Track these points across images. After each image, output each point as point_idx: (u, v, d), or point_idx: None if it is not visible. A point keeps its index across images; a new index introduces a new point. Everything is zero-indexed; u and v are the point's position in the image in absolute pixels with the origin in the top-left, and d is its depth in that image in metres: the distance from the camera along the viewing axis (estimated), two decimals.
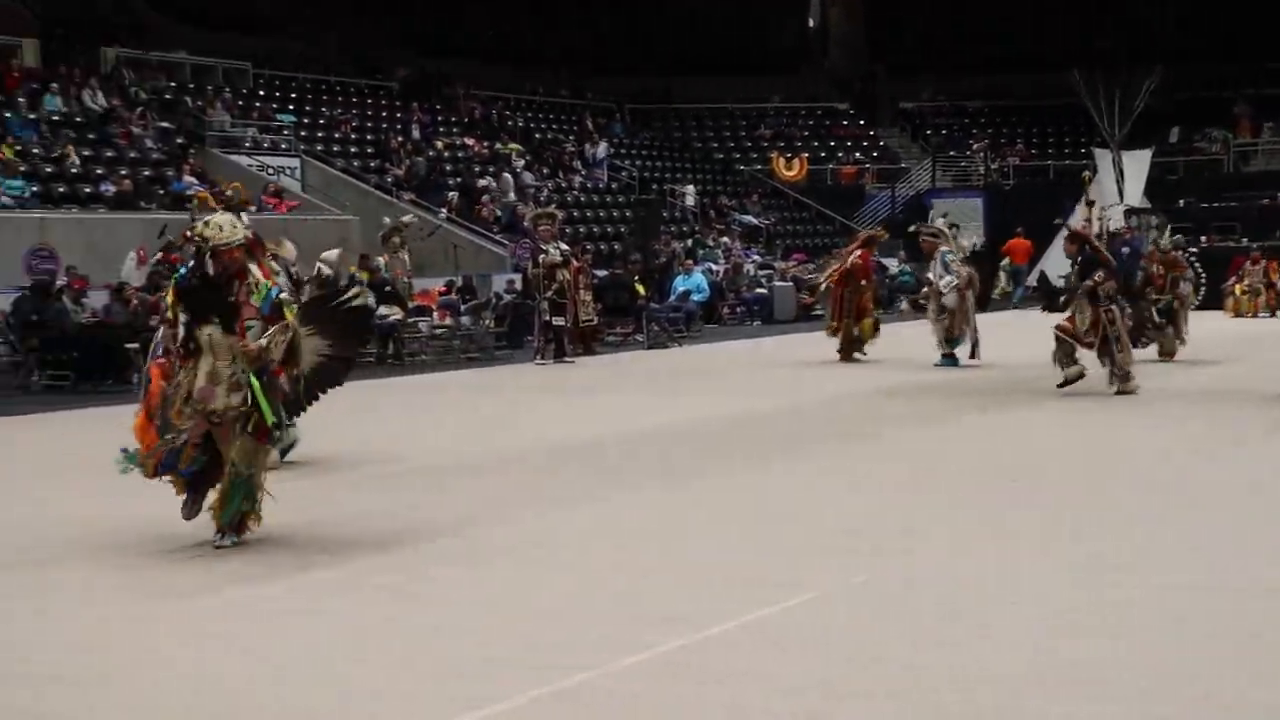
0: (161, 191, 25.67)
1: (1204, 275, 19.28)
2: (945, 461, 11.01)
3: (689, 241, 33.27)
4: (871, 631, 6.19)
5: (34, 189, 23.75)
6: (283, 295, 8.27)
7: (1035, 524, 8.44)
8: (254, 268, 8.13)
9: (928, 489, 9.75)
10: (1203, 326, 20.81)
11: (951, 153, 43.42)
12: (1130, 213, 32.11)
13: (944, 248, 18.94)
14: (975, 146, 42.83)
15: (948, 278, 18.47)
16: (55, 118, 26.71)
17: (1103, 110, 37.63)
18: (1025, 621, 6.30)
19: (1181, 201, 35.08)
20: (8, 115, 25.84)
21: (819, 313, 29.90)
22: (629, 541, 8.19)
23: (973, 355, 18.51)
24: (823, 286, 20.92)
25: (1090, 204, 17.75)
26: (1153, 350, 18.46)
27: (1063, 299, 15.63)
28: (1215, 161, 39.06)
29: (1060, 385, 15.01)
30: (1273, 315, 28.81)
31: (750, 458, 11.32)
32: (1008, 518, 8.63)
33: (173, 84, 31.35)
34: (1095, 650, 5.85)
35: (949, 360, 18.55)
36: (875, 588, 6.97)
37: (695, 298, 26.93)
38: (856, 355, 19.82)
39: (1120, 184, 36.43)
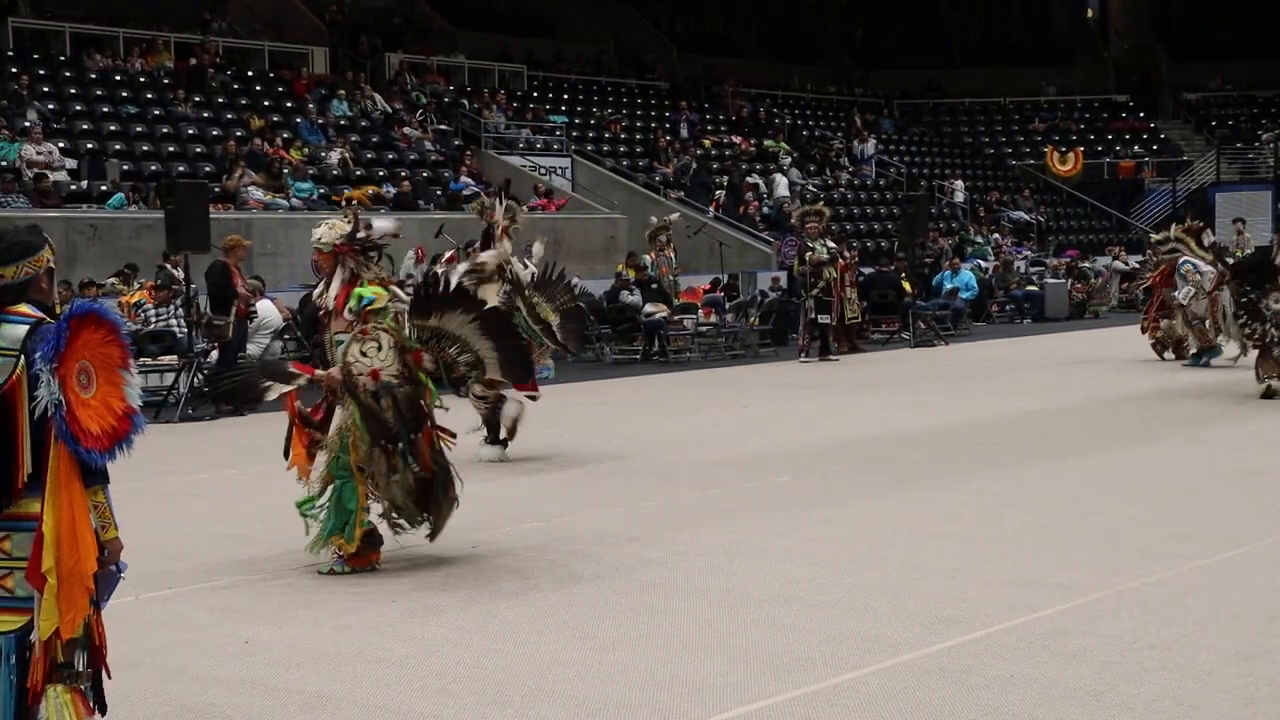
0: (439, 192, 26.58)
1: None
2: (1223, 466, 10.58)
3: (956, 238, 32.67)
4: (1150, 638, 6.00)
5: (321, 191, 24.89)
6: (377, 302, 7.61)
7: None
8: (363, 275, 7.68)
9: (1197, 493, 9.38)
10: None
11: (1238, 144, 41.48)
12: None
13: (1183, 258, 18.31)
14: (1265, 137, 40.78)
15: (1186, 288, 17.93)
16: (341, 122, 27.93)
17: None
18: None
19: None
20: (297, 120, 27.14)
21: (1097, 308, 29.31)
22: (896, 540, 8.12)
23: (1242, 353, 17.78)
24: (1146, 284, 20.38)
25: None
26: None
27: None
28: None
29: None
30: None
31: (1031, 456, 11.08)
32: None
33: (451, 87, 32.42)
34: None
35: (1196, 359, 17.94)
36: (1162, 591, 6.75)
37: (963, 295, 26.44)
38: (1167, 355, 19.15)
39: None
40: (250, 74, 28.88)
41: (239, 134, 25.28)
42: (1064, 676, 5.57)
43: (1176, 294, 18.36)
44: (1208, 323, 17.61)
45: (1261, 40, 43.20)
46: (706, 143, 34.68)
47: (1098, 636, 6.09)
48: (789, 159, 34.90)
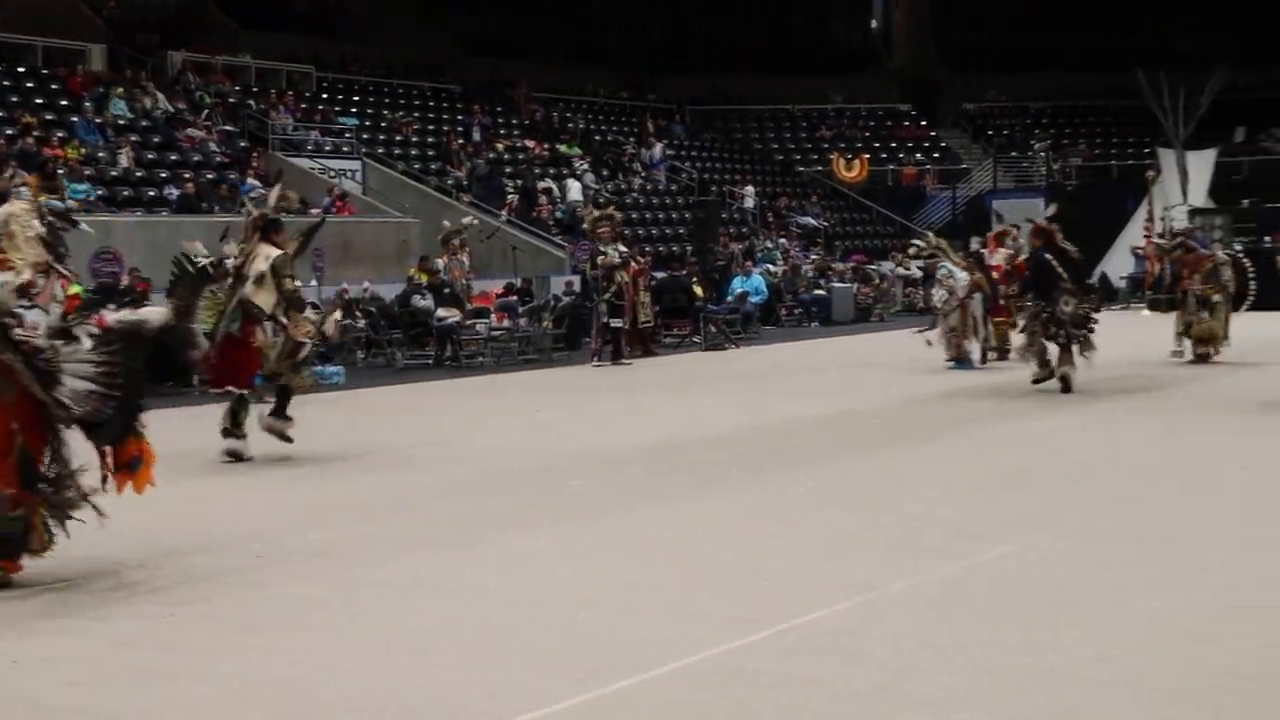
0: (225, 194, 25.90)
1: (1254, 275, 18.79)
2: (1004, 462, 10.91)
3: (747, 243, 33.17)
4: (934, 632, 6.14)
5: (99, 192, 24.02)
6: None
7: (1102, 525, 8.34)
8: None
9: (983, 491, 9.66)
10: (1260, 328, 20.42)
11: (1013, 153, 43.07)
12: (1194, 213, 31.65)
13: (942, 263, 19.03)
14: (1037, 146, 42.45)
15: (940, 292, 18.70)
16: (120, 122, 27.01)
17: (1167, 110, 37.13)
18: (1109, 625, 6.22)
19: (1245, 201, 34.48)
20: (74, 120, 26.16)
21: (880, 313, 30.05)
22: (687, 542, 8.16)
23: (983, 360, 18.53)
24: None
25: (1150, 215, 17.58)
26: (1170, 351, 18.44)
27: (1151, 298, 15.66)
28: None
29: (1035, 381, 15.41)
30: None
31: (802, 460, 11.27)
32: (1069, 519, 8.53)
33: (237, 88, 31.64)
34: (1191, 657, 5.77)
35: (964, 364, 18.51)
36: (943, 588, 6.91)
37: (753, 299, 26.85)
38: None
39: (1184, 184, 35.96)
40: (21, 70, 27.75)
41: (9, 133, 24.25)
42: (849, 673, 5.65)
43: (934, 298, 19.05)
44: (969, 330, 18.29)
45: (1033, 54, 44.99)
46: (499, 146, 34.54)
47: (882, 633, 6.20)
48: (582, 163, 34.99)
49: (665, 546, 8.10)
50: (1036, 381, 15.42)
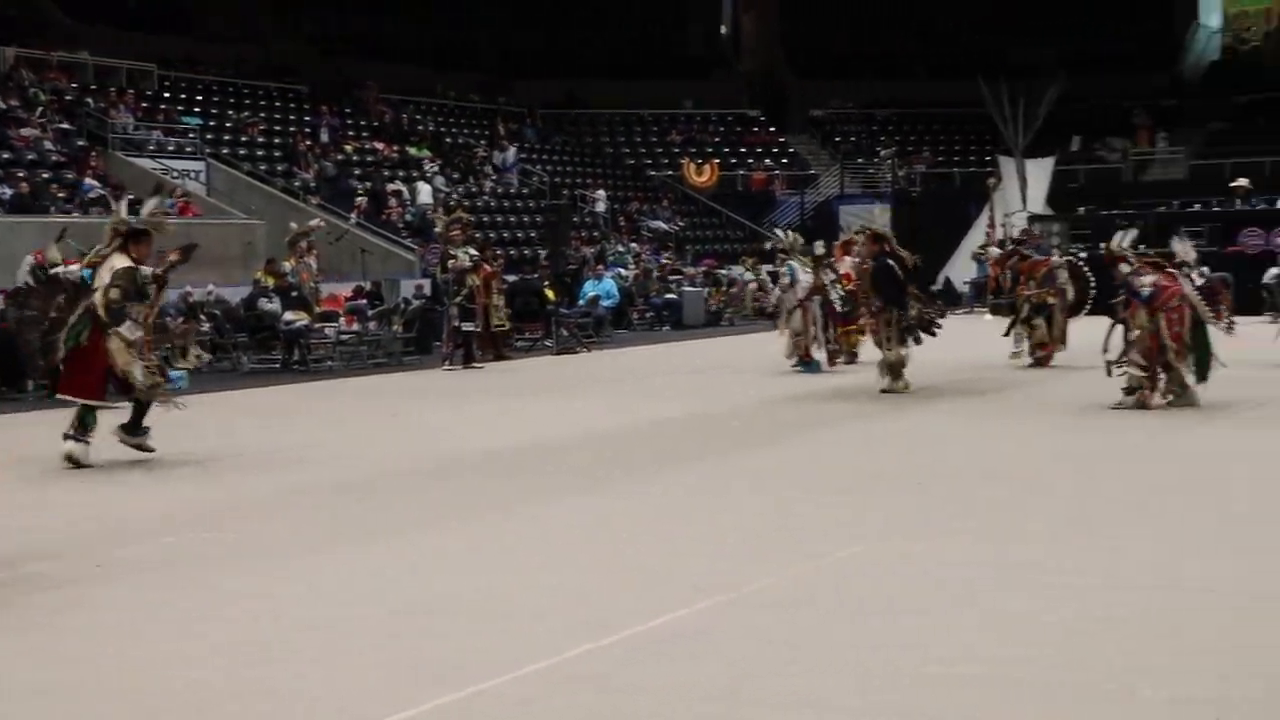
0: (62, 194, 25.16)
1: (1094, 281, 19.29)
2: (856, 464, 11.05)
3: (599, 246, 33.21)
4: (785, 633, 6.18)
5: None
6: None
7: (949, 525, 8.47)
8: None
9: (836, 492, 9.77)
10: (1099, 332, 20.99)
11: (860, 159, 43.81)
12: (1033, 219, 32.55)
13: (790, 261, 19.27)
14: (883, 153, 43.23)
15: (775, 291, 19.05)
16: None
17: (1006, 119, 38.11)
18: (950, 625, 6.32)
19: (1082, 209, 35.49)
20: None
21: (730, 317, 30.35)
22: (540, 547, 8.12)
23: (831, 363, 18.82)
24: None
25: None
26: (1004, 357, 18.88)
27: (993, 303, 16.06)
28: (1115, 170, 39.73)
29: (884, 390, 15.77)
30: None
31: (658, 463, 11.29)
32: (918, 520, 8.66)
33: (74, 85, 30.75)
34: (1025, 651, 5.89)
35: (812, 367, 18.75)
36: (795, 589, 6.96)
37: (605, 303, 26.89)
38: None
39: (1023, 191, 36.95)
40: None
41: None
42: (698, 676, 5.66)
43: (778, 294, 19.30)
44: (810, 332, 18.53)
45: (879, 62, 45.85)
46: (348, 148, 34.10)
47: (733, 635, 6.22)
48: (433, 166, 34.70)
49: (517, 551, 8.04)
50: (888, 392, 15.66)
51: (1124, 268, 14.10)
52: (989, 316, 25.28)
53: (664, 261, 34.14)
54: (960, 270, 35.09)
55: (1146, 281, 13.84)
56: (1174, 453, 11.55)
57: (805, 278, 18.75)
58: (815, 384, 17.13)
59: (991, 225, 28.64)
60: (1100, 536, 8.19)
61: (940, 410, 14.51)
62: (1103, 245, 14.74)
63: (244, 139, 32.42)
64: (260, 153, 32.15)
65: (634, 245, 35.26)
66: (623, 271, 31.00)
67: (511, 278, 25.15)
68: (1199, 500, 9.35)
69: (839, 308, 18.22)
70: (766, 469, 10.91)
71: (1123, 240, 14.69)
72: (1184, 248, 14.52)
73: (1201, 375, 13.83)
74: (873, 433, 13.00)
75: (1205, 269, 20.07)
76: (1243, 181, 32.21)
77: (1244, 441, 12.04)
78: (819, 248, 19.27)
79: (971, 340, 20.67)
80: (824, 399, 15.65)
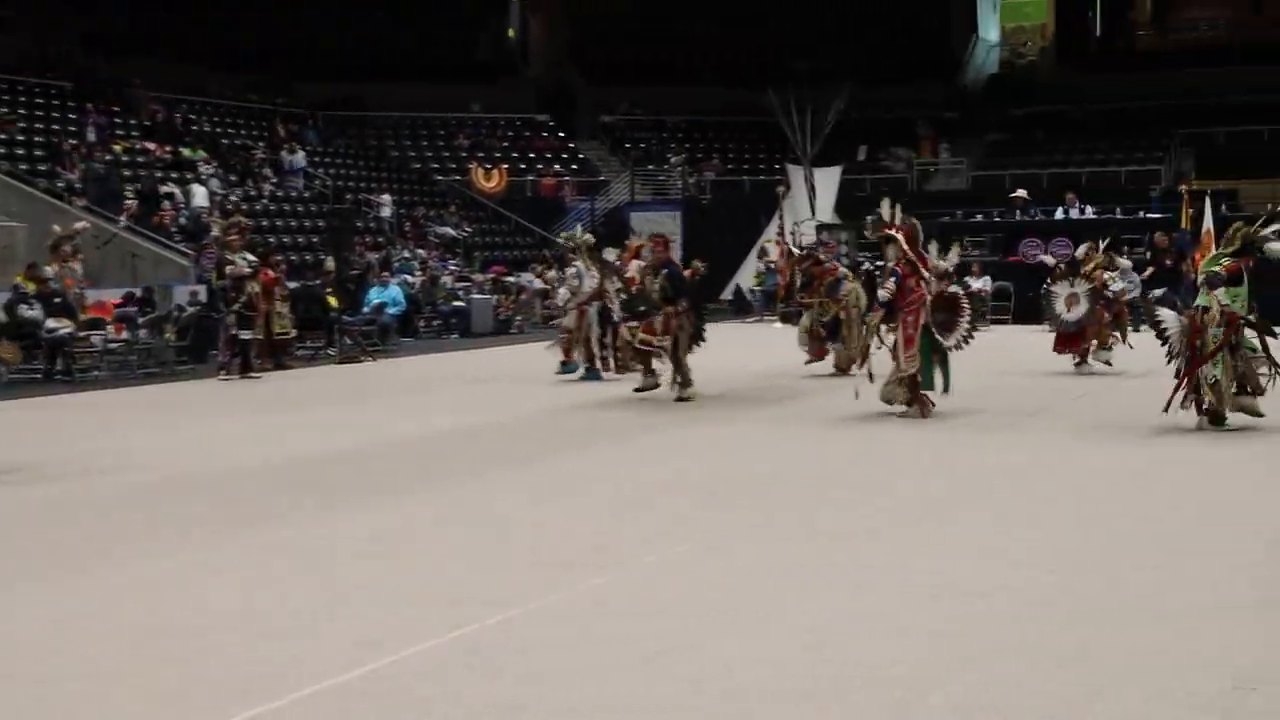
0: None
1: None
2: (645, 473, 11.08)
3: (384, 252, 32.77)
4: (573, 648, 6.12)
5: None
6: None
7: (746, 533, 8.54)
8: None
9: (628, 503, 9.78)
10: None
11: (650, 166, 44.18)
12: (821, 228, 33.27)
13: (578, 261, 19.35)
14: (673, 160, 43.67)
15: (563, 291, 19.16)
16: None
17: (795, 128, 38.94)
18: (751, 636, 6.33)
19: (869, 217, 36.40)
20: None
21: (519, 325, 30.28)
22: (318, 563, 7.92)
23: (619, 371, 18.93)
24: None
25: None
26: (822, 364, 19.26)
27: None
28: (900, 180, 40.87)
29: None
30: None
31: (438, 475, 11.17)
32: (710, 528, 8.71)
33: None
34: (837, 662, 5.93)
35: (570, 368, 18.85)
36: (584, 603, 6.91)
37: (390, 310, 26.54)
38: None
39: (812, 199, 37.78)
40: None
41: None
42: (487, 692, 5.58)
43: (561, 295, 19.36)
44: (581, 336, 18.62)
45: (668, 69, 46.33)
46: (117, 148, 32.96)
47: (519, 650, 6.16)
48: (208, 168, 33.79)
49: (294, 567, 7.84)
50: (682, 400, 15.82)
51: (890, 262, 14.48)
52: (779, 324, 25.80)
53: (452, 268, 33.88)
54: (750, 278, 35.71)
55: (891, 285, 14.27)
56: (953, 463, 11.88)
57: (590, 281, 18.78)
58: (602, 392, 17.17)
59: (781, 233, 29.07)
60: (904, 541, 8.35)
61: (734, 420, 14.67)
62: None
63: (2, 137, 31.08)
64: (20, 152, 30.86)
65: (421, 251, 34.89)
66: (409, 278, 30.65)
67: (293, 284, 24.62)
68: (977, 505, 9.63)
69: (615, 315, 18.16)
70: (553, 480, 10.88)
71: (948, 256, 15.09)
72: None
73: (945, 385, 14.26)
74: (663, 442, 13.06)
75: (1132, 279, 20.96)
76: (1021, 192, 33.55)
77: (1019, 452, 12.44)
78: (609, 254, 19.28)
79: (760, 348, 21.00)
80: (611, 407, 15.70)
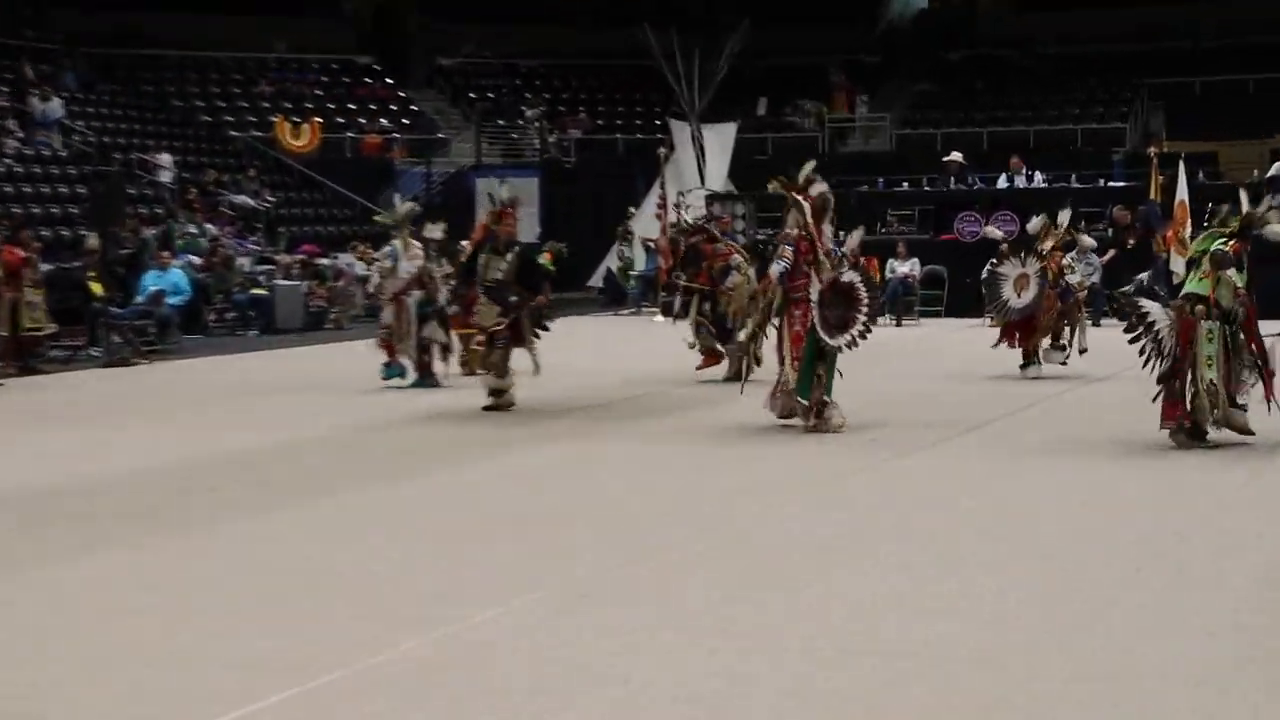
0: None
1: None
2: (486, 505, 11.01)
3: (163, 227, 32.30)
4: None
5: None
6: None
7: (606, 579, 8.49)
8: None
9: (467, 540, 9.69)
10: None
11: (500, 122, 44.07)
12: (713, 198, 33.25)
13: (395, 240, 19.29)
14: (530, 114, 43.62)
15: (373, 277, 19.11)
16: None
17: (680, 75, 39.04)
18: (602, 702, 6.31)
19: (771, 186, 36.40)
20: None
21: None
22: (65, 624, 7.72)
23: (470, 373, 18.89)
24: None
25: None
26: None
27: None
28: (809, 139, 41.20)
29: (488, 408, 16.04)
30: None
31: (225, 507, 11.03)
32: (566, 572, 8.65)
33: None
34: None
35: (394, 371, 18.84)
36: (415, 665, 6.81)
37: (171, 300, 26.16)
38: None
39: (701, 164, 37.90)
40: None
41: None
42: None
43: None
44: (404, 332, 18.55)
45: (522, 3, 46.10)
46: None
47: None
48: None
49: (33, 627, 7.65)
50: (494, 409, 15.81)
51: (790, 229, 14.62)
52: (659, 318, 25.82)
53: (250, 248, 33.48)
54: (617, 261, 35.76)
55: (788, 254, 14.37)
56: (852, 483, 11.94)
57: (409, 264, 18.66)
58: (438, 403, 17.07)
59: (663, 205, 29.13)
60: (776, 591, 8.33)
61: (592, 436, 14.66)
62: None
63: None
64: None
65: (210, 226, 34.42)
66: (195, 259, 30.25)
67: (47, 267, 24.21)
68: (886, 547, 9.65)
69: (447, 307, 17.99)
70: (370, 514, 10.78)
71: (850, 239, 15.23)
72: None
73: (827, 392, 14.40)
74: (509, 467, 13.00)
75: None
76: (956, 156, 33.66)
77: (947, 479, 12.54)
78: (436, 230, 19.13)
79: (641, 348, 21.01)
80: (446, 422, 15.65)
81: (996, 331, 19.43)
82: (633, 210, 35.95)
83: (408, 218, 19.43)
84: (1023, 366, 19.11)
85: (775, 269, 14.55)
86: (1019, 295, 18.76)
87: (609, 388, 18.15)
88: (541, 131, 42.72)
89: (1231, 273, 12.89)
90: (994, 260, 19.49)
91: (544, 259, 21.62)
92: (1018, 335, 19.10)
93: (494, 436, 14.58)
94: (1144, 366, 13.38)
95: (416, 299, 18.59)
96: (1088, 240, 21.51)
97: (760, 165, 36.07)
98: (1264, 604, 7.94)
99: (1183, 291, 13.45)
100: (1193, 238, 15.47)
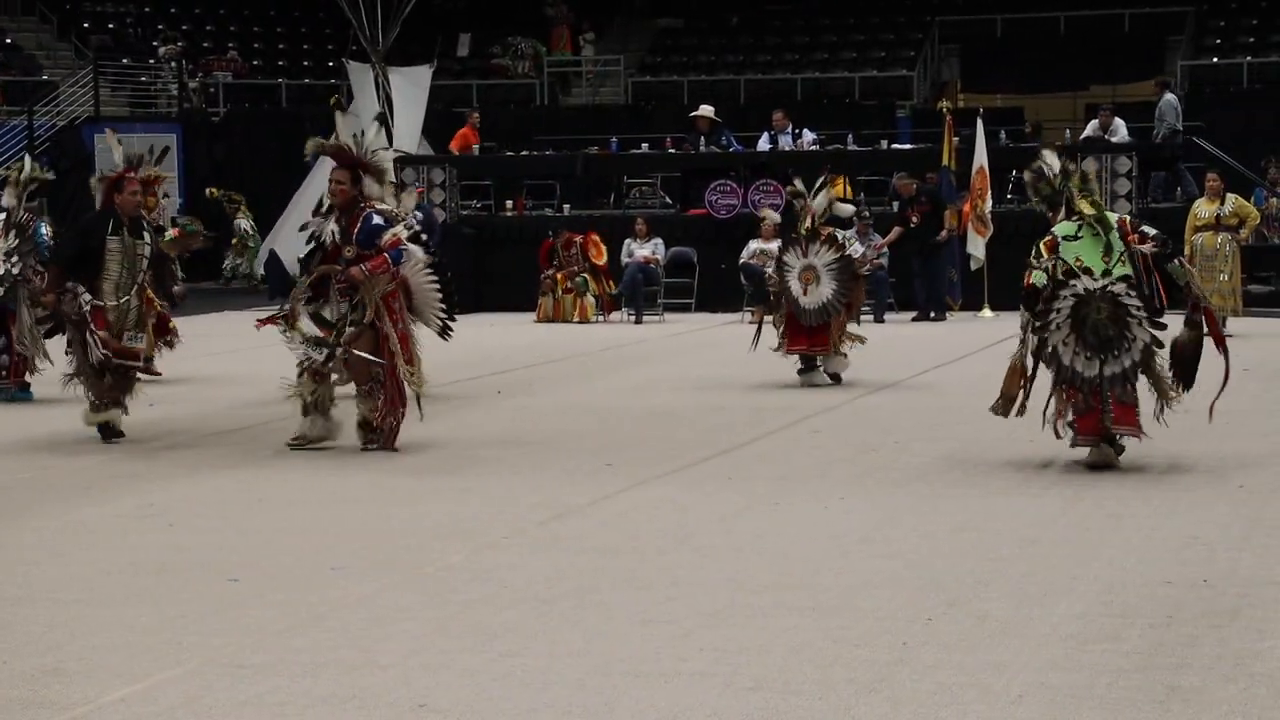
0: None
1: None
2: (117, 554, 10.88)
3: None
4: None
5: None
6: None
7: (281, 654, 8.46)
8: None
9: (106, 599, 9.58)
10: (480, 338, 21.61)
11: (125, 60, 43.36)
12: (403, 161, 33.05)
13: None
14: (163, 53, 42.99)
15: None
16: None
17: (359, 6, 38.75)
18: None
19: (476, 147, 36.13)
20: None
21: None
22: None
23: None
24: None
25: None
26: None
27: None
28: (524, 88, 41.33)
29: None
30: (605, 318, 30.15)
31: None
32: (231, 644, 8.61)
33: None
34: None
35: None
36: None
37: None
38: None
39: (388, 118, 37.64)
40: None
41: None
42: None
43: None
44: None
45: None
46: None
47: None
48: None
49: None
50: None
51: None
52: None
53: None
54: (294, 242, 35.37)
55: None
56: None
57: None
58: (47, 423, 16.83)
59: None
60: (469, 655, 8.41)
61: (194, 466, 14.63)
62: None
63: None
64: None
65: None
66: None
67: None
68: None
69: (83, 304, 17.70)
70: None
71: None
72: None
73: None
74: (150, 502, 12.87)
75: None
76: (706, 110, 33.46)
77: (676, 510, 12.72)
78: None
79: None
80: (68, 452, 15.41)
81: (784, 332, 19.27)
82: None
83: (24, 181, 19.15)
84: (801, 372, 19.21)
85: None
86: (805, 293, 18.59)
87: (247, 407, 17.94)
88: (180, 74, 42.11)
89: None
90: (756, 240, 19.53)
91: (170, 236, 21.38)
92: (808, 339, 19.08)
93: (120, 469, 14.42)
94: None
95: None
96: (845, 208, 20.93)
97: (461, 119, 36.03)
98: (1077, 661, 8.18)
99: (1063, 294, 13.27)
100: (992, 211, 15.70)
